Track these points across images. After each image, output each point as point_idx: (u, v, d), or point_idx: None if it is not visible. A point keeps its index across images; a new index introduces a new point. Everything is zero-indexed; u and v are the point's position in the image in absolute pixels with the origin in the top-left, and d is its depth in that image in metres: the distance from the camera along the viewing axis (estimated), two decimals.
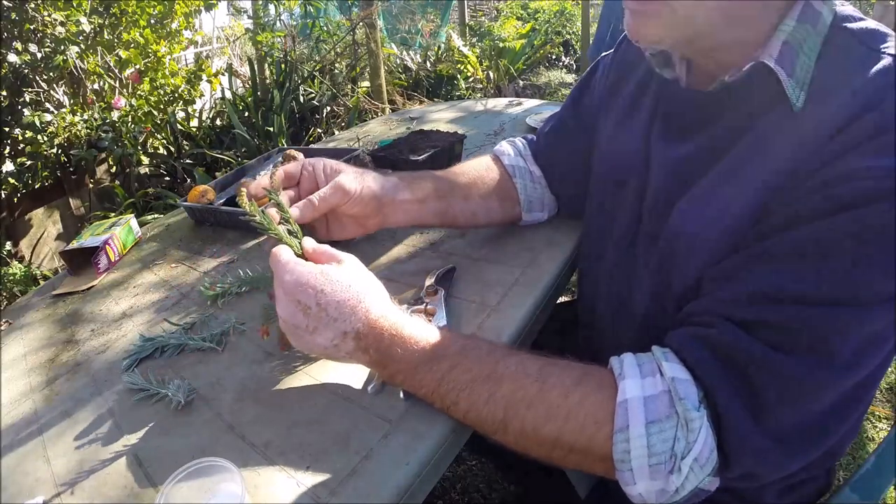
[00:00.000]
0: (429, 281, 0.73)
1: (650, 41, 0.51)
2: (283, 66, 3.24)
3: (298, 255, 0.56)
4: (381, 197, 0.67)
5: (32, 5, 2.12)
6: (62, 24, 2.15)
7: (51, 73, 2.27)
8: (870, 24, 0.48)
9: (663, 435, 0.43)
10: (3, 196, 2.23)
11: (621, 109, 0.68)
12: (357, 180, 0.64)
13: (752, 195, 0.48)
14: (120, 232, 1.08)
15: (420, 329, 0.54)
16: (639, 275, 0.61)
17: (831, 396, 0.44)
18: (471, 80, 4.32)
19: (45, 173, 2.43)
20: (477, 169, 0.79)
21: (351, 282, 0.53)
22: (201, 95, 2.88)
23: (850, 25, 0.47)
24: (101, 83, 2.54)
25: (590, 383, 0.48)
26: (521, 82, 4.86)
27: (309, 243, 0.58)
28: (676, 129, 0.58)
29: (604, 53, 0.77)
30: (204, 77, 2.73)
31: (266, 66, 3.41)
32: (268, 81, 3.33)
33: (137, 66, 2.51)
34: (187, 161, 2.71)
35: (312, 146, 1.63)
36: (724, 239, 0.50)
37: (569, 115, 0.80)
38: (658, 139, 0.60)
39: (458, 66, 4.27)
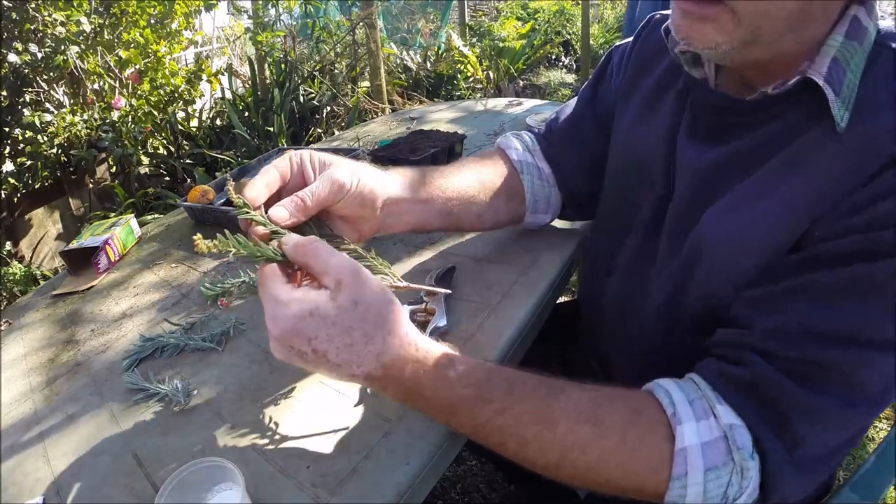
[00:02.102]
0: (429, 281, 0.73)
1: (704, 46, 0.47)
2: (283, 66, 3.24)
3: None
4: (381, 196, 0.59)
5: (32, 5, 2.12)
6: (62, 24, 2.15)
7: (51, 73, 2.26)
8: None
9: (719, 481, 0.43)
10: (3, 196, 2.23)
11: (641, 104, 0.66)
12: (353, 174, 0.56)
13: (792, 218, 0.46)
14: (120, 232, 1.08)
15: (453, 365, 0.47)
16: (655, 276, 0.60)
17: (854, 429, 0.45)
18: (471, 80, 4.32)
19: (45, 173, 2.43)
20: (484, 165, 0.74)
21: (352, 320, 0.43)
22: (201, 95, 2.87)
23: (895, 45, 0.46)
24: (101, 83, 2.54)
25: (642, 422, 0.46)
26: (521, 82, 4.86)
27: (291, 240, 0.47)
28: (705, 133, 0.56)
29: (618, 43, 0.75)
30: (204, 77, 2.73)
31: (266, 66, 3.40)
32: (268, 81, 3.32)
33: (137, 66, 2.51)
34: (187, 161, 2.70)
35: (312, 146, 1.63)
36: (755, 257, 0.48)
37: (586, 110, 0.76)
38: (685, 139, 0.58)
39: (458, 66, 4.27)
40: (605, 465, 0.45)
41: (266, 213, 0.51)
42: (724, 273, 0.51)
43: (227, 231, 0.47)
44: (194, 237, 0.46)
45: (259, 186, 0.51)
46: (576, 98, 0.80)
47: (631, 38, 0.72)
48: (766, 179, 0.49)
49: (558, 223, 0.90)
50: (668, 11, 0.66)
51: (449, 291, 0.61)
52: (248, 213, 0.49)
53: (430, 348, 0.47)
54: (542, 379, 0.49)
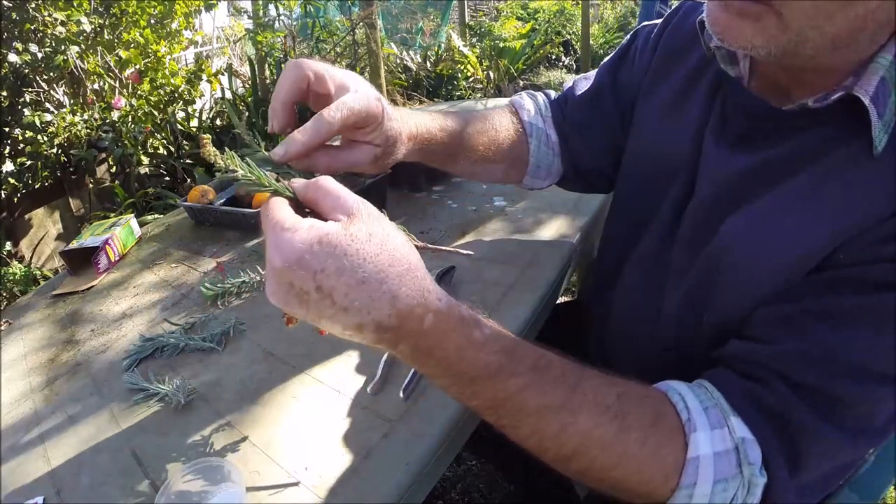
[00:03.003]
0: None
1: (739, 45, 0.44)
2: (283, 66, 3.24)
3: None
4: (405, 138, 0.58)
5: (33, 5, 2.12)
6: (62, 24, 2.15)
7: (51, 73, 2.27)
8: None
9: (725, 494, 0.43)
10: (3, 196, 2.23)
11: (669, 98, 0.64)
12: (389, 113, 0.54)
13: (820, 236, 0.45)
14: (120, 232, 1.08)
15: (479, 325, 0.42)
16: (671, 281, 0.58)
17: (854, 457, 0.46)
18: (471, 80, 4.32)
19: (45, 173, 2.43)
20: (496, 128, 0.72)
21: (366, 253, 0.37)
22: (201, 95, 2.87)
23: None
24: (101, 83, 2.54)
25: (664, 426, 0.45)
26: (521, 82, 4.86)
27: (301, 179, 0.43)
28: (735, 136, 0.54)
29: (645, 23, 0.71)
30: (204, 77, 2.73)
31: (266, 66, 3.41)
32: (268, 81, 3.32)
33: (137, 66, 2.51)
34: (187, 161, 2.70)
35: None
36: (779, 273, 0.47)
37: (605, 88, 0.73)
38: (711, 140, 0.56)
39: (458, 66, 4.27)
40: (623, 466, 0.43)
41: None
42: (747, 287, 0.49)
43: (234, 152, 0.43)
44: (203, 137, 0.43)
45: (279, 116, 0.49)
46: (594, 72, 0.77)
47: (659, 21, 0.69)
48: (796, 194, 0.47)
49: (558, 222, 0.91)
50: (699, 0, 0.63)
51: (472, 253, 0.60)
52: (257, 178, 0.44)
53: (453, 301, 0.41)
54: (567, 360, 0.46)
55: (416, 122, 0.61)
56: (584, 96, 0.75)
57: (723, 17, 0.44)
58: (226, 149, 0.43)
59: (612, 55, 0.75)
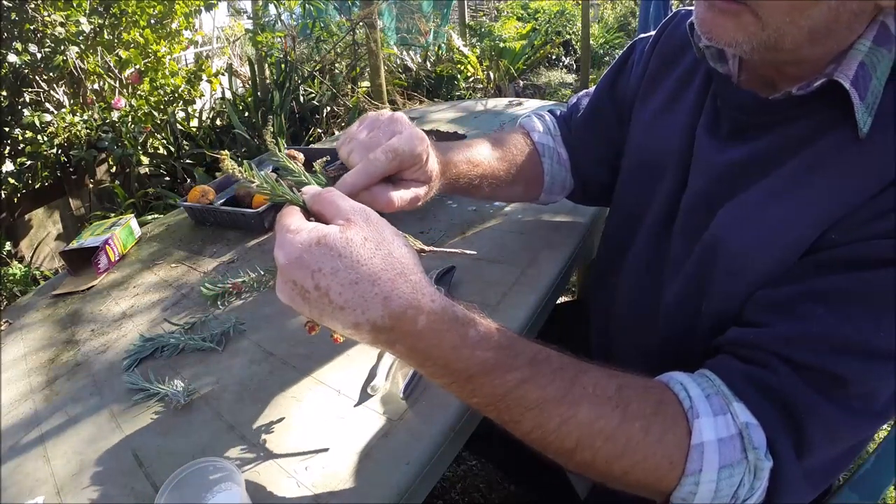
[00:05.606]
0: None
1: (724, 42, 0.46)
2: (282, 66, 3.24)
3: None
4: (438, 177, 0.60)
5: (32, 5, 2.12)
6: (62, 24, 2.15)
7: (51, 73, 2.26)
8: None
9: (731, 480, 0.43)
10: (3, 196, 2.23)
11: (661, 100, 0.66)
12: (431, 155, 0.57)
13: (811, 220, 0.46)
14: (120, 232, 1.08)
15: (474, 324, 0.43)
16: (669, 274, 0.59)
17: (858, 440, 0.46)
18: (471, 80, 4.32)
19: (45, 173, 2.43)
20: (513, 153, 0.75)
21: (360, 255, 0.40)
22: (201, 95, 2.87)
23: None
24: (101, 83, 2.54)
25: (667, 414, 0.45)
26: (521, 82, 4.86)
27: (310, 190, 0.46)
28: (727, 130, 0.56)
29: (641, 36, 0.74)
30: (204, 77, 2.73)
31: (266, 66, 3.41)
32: (268, 82, 3.32)
33: (137, 66, 2.51)
34: (187, 161, 2.70)
35: (312, 146, 1.64)
36: (773, 259, 0.48)
37: (604, 100, 0.77)
38: (704, 135, 0.57)
39: (458, 66, 4.27)
40: (627, 456, 0.43)
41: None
42: (742, 274, 0.50)
43: (252, 164, 0.47)
44: (222, 153, 0.48)
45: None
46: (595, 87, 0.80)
47: (654, 32, 0.71)
48: (786, 181, 0.48)
49: (558, 222, 0.91)
50: (692, 7, 0.66)
51: (475, 252, 0.60)
52: (273, 189, 0.48)
53: (447, 302, 0.42)
54: (564, 355, 0.46)
55: (446, 159, 0.63)
56: (586, 111, 0.79)
57: (708, 15, 0.47)
58: (244, 162, 0.47)
59: (610, 68, 0.78)
